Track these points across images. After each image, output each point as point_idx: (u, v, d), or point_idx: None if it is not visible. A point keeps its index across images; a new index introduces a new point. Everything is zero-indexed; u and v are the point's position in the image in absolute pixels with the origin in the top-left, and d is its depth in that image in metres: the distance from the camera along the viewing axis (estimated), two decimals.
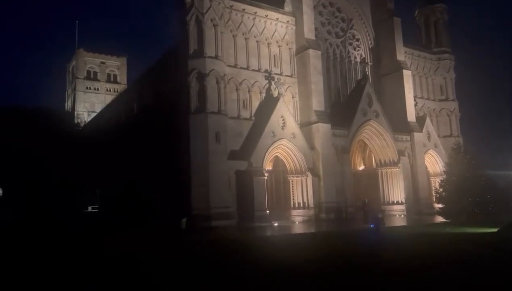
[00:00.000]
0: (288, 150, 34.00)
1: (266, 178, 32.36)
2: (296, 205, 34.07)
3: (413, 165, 40.57)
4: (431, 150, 42.88)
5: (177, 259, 15.68)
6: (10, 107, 43.39)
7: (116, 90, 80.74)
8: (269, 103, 33.98)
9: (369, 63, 43.21)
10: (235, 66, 33.84)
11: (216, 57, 31.42)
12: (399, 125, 40.38)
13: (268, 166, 33.95)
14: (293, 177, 34.37)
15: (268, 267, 13.10)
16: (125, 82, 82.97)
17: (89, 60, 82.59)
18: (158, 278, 11.67)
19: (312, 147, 34.56)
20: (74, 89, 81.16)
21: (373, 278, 11.25)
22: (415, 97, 43.84)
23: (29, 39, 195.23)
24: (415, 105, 43.21)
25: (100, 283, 11.51)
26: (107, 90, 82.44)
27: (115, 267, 13.90)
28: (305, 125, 35.31)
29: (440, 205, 31.48)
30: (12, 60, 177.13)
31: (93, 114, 71.46)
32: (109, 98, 74.69)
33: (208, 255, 16.54)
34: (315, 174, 34.05)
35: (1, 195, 42.39)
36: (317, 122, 34.83)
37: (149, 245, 20.77)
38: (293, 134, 33.78)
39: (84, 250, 18.69)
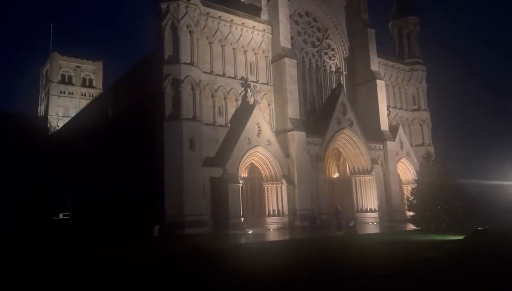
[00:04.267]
0: (263, 157, 34.11)
1: (241, 185, 32.34)
2: (271, 212, 34.13)
3: (386, 173, 41.36)
4: (403, 158, 43.77)
5: (147, 269, 15.48)
6: None
7: (91, 94, 79.45)
8: (245, 110, 34.08)
9: (344, 73, 43.96)
10: (211, 73, 33.85)
11: (192, 63, 31.38)
12: (372, 134, 41.13)
13: (243, 173, 33.96)
14: (268, 184, 34.47)
15: (242, 276, 13.06)
16: (101, 87, 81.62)
17: (63, 64, 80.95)
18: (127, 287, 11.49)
19: (287, 154, 34.79)
20: (47, 93, 79.21)
21: (345, 284, 11.40)
22: (388, 106, 44.80)
23: (1, 42, 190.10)
24: (388, 114, 44.18)
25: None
26: (82, 94, 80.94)
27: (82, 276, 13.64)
28: (280, 133, 35.55)
29: (411, 213, 32.07)
30: None
31: (68, 119, 69.99)
32: (84, 103, 73.29)
33: (180, 264, 16.37)
34: (290, 181, 34.26)
35: None
36: (292, 130, 35.13)
37: (114, 254, 20.42)
38: (268, 141, 33.94)
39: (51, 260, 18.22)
